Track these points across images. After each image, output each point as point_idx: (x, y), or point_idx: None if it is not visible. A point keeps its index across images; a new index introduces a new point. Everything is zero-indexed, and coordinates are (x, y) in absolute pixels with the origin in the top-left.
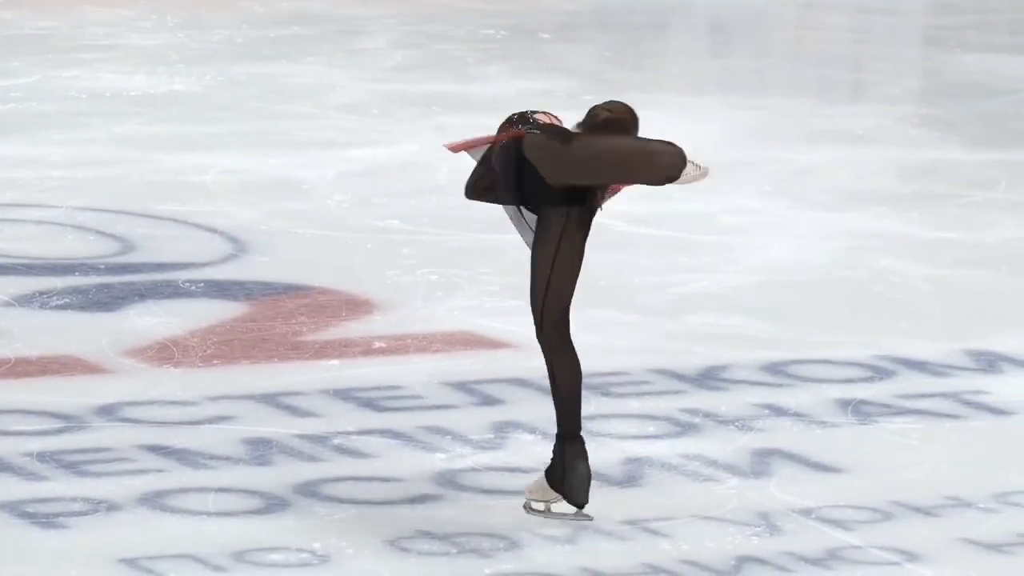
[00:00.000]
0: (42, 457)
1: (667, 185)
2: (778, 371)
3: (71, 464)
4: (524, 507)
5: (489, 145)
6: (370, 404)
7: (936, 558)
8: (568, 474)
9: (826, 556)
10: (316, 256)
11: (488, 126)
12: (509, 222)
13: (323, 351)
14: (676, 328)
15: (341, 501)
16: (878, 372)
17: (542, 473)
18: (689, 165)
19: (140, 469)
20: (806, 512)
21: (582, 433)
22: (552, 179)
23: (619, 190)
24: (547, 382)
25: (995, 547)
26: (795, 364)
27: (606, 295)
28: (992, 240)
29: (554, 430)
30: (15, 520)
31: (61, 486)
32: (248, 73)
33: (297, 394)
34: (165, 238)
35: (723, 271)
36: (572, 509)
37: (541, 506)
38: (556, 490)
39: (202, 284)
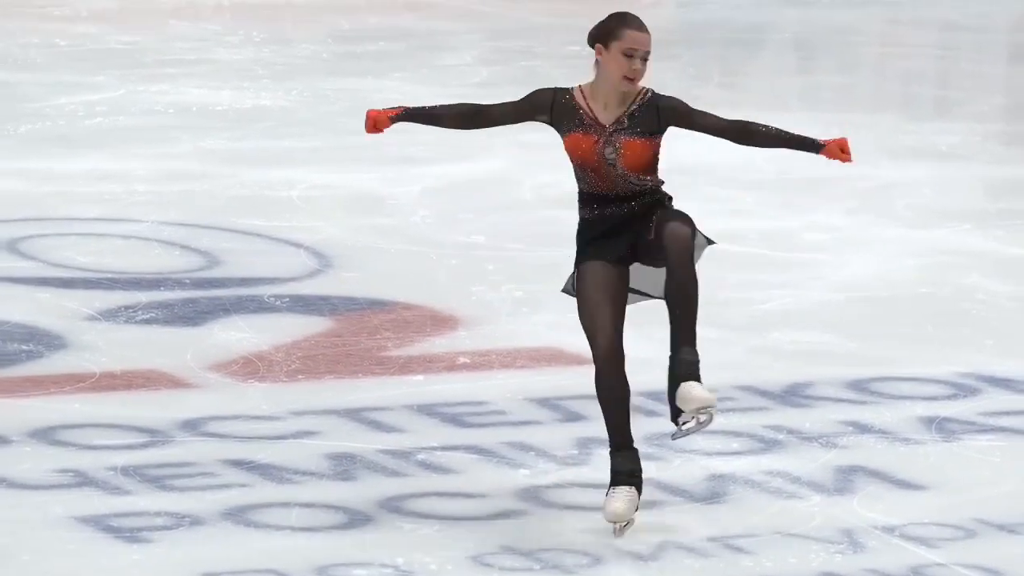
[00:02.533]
0: (126, 471)
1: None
2: (862, 388)
3: (155, 478)
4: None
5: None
6: (454, 420)
7: None
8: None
9: (909, 573)
10: (401, 271)
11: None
12: None
13: (407, 366)
14: (760, 344)
15: (425, 516)
16: (962, 390)
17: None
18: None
19: (224, 484)
20: (889, 529)
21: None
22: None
23: None
24: (630, 398)
25: None
26: (879, 381)
27: None
28: None
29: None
30: (99, 534)
31: (145, 500)
32: (334, 88)
33: (381, 409)
34: (250, 253)
35: (807, 287)
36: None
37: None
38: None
39: (287, 299)
